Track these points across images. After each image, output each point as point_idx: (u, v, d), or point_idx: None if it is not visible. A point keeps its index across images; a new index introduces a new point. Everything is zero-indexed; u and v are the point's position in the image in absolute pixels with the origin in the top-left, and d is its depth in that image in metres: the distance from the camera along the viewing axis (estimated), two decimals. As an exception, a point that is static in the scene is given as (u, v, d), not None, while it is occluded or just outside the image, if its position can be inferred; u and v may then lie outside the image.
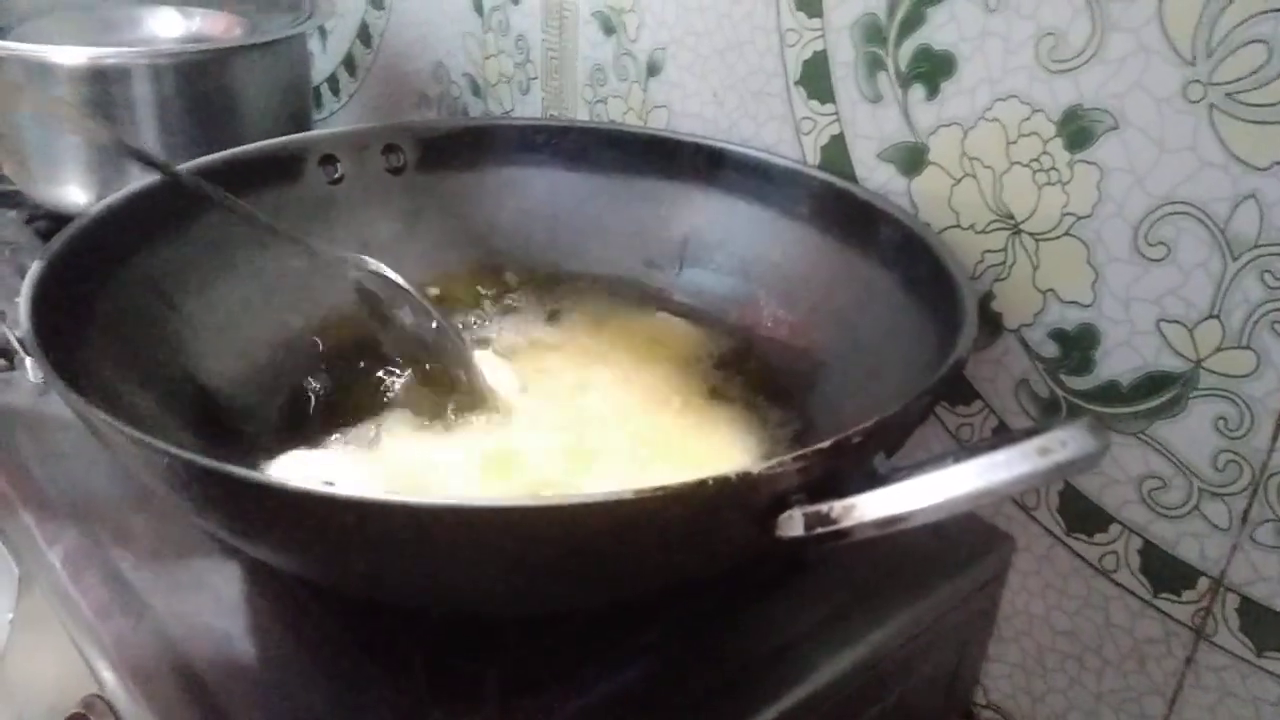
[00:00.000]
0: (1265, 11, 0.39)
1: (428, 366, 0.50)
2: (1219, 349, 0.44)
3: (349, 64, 0.94)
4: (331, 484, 0.32)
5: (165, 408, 0.47)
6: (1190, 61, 0.42)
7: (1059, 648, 0.54)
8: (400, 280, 0.49)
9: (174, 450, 0.32)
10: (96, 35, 0.79)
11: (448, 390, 0.49)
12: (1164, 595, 0.49)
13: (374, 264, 0.49)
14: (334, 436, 0.49)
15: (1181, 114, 0.43)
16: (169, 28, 0.81)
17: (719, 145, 0.59)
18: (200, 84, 0.69)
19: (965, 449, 0.31)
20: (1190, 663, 0.49)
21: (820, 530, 0.31)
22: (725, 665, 0.43)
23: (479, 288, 0.60)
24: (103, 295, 0.46)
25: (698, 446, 0.47)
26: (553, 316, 0.58)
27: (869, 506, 0.30)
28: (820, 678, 0.44)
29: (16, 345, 0.59)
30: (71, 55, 0.66)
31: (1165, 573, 0.49)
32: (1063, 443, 0.29)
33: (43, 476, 0.52)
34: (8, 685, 0.53)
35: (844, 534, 0.31)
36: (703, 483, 0.31)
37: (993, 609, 0.55)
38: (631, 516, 0.31)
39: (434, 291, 0.58)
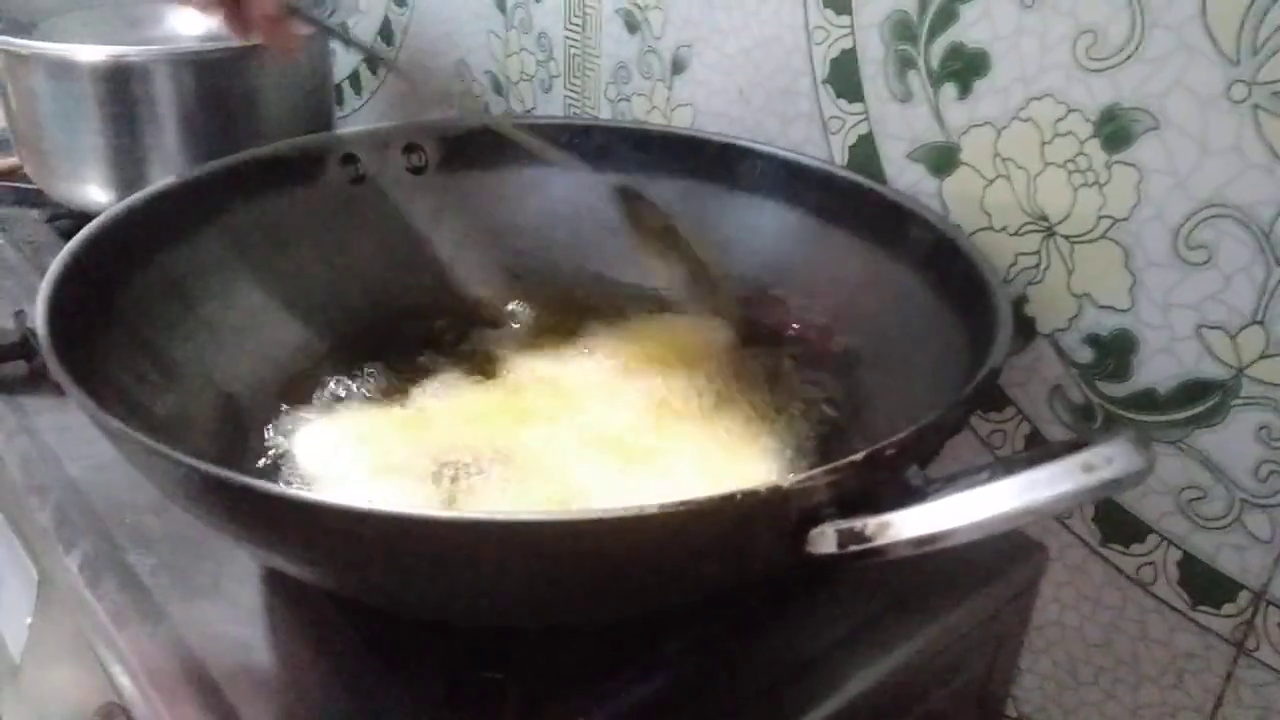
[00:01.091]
0: (1315, 8, 0.38)
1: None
2: (1263, 356, 0.43)
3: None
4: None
5: (182, 409, 0.46)
6: (1234, 60, 0.41)
7: (1093, 660, 0.53)
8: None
9: (191, 461, 0.31)
10: (118, 32, 0.79)
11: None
12: (1203, 608, 0.48)
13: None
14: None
15: (1225, 114, 0.41)
16: (190, 25, 0.80)
17: (745, 144, 0.58)
18: (222, 82, 0.69)
19: (1003, 463, 0.30)
20: (1230, 678, 0.48)
21: (854, 548, 0.30)
22: (752, 677, 0.42)
23: (504, 287, 0.59)
24: (122, 295, 0.46)
25: (723, 453, 0.46)
26: (576, 317, 0.57)
27: (905, 524, 0.29)
28: (850, 690, 0.43)
29: (37, 345, 0.59)
30: (94, 54, 0.66)
31: (1205, 585, 0.47)
32: (1108, 459, 0.28)
33: (57, 479, 0.52)
34: (26, 689, 0.53)
35: (879, 552, 0.30)
36: (730, 497, 0.30)
37: (1025, 620, 0.53)
38: (656, 531, 0.30)
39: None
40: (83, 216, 0.73)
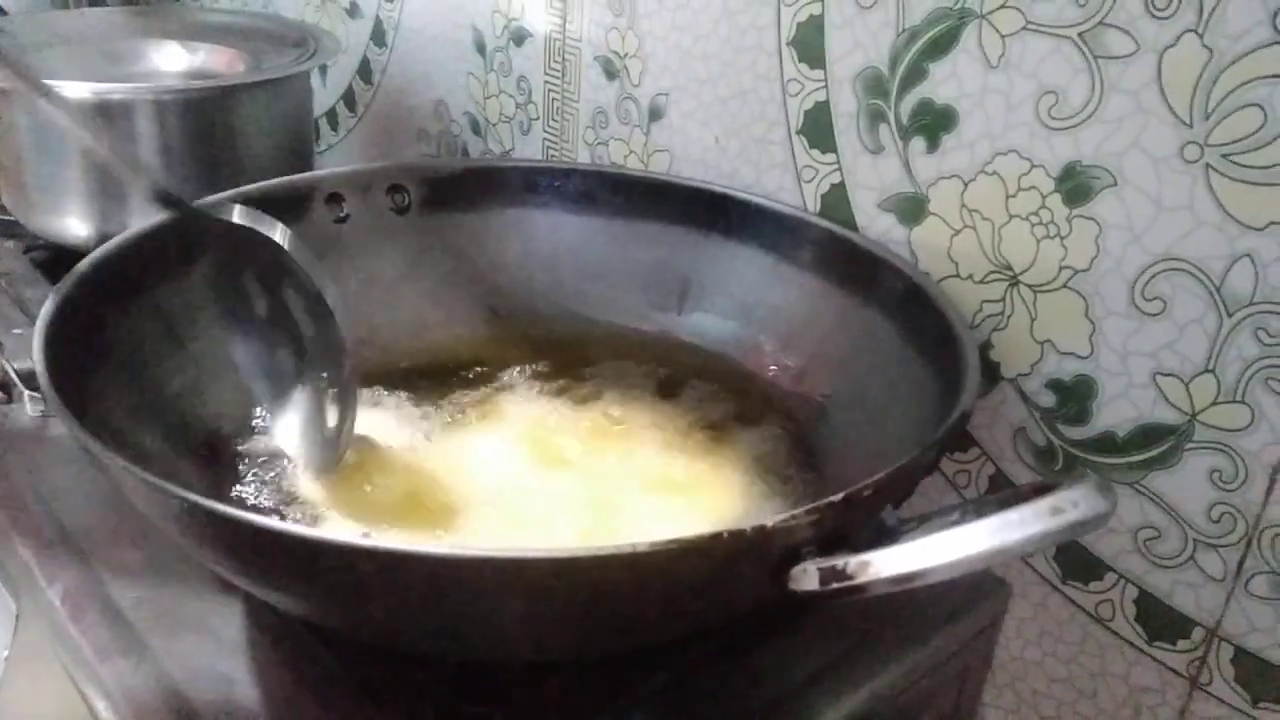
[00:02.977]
0: (1261, 77, 0.41)
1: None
2: (1214, 403, 0.45)
3: (349, 99, 0.95)
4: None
5: (171, 444, 0.47)
6: (1188, 123, 0.43)
7: (1054, 694, 0.54)
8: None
9: (189, 496, 0.32)
10: (100, 68, 0.79)
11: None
12: (1159, 644, 0.49)
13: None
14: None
15: (1179, 173, 0.44)
16: (173, 62, 0.81)
17: (721, 190, 0.60)
18: (204, 120, 0.70)
19: (973, 504, 0.32)
20: (1185, 713, 0.49)
21: (835, 585, 0.31)
22: (729, 712, 0.43)
23: (485, 325, 0.60)
24: (114, 331, 0.46)
25: (702, 493, 0.48)
26: (554, 358, 0.58)
27: (885, 563, 0.31)
28: (823, 724, 0.44)
29: (15, 379, 0.59)
30: (76, 90, 0.66)
31: (1160, 622, 0.49)
32: (1074, 503, 0.29)
33: (41, 512, 0.52)
34: (2, 723, 0.53)
35: (859, 590, 0.31)
36: (717, 535, 0.31)
37: (989, 655, 0.55)
38: (645, 568, 0.31)
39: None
40: (59, 249, 0.73)
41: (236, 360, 0.49)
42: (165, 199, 0.47)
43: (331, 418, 0.47)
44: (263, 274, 0.47)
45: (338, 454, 0.47)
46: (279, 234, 0.46)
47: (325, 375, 0.47)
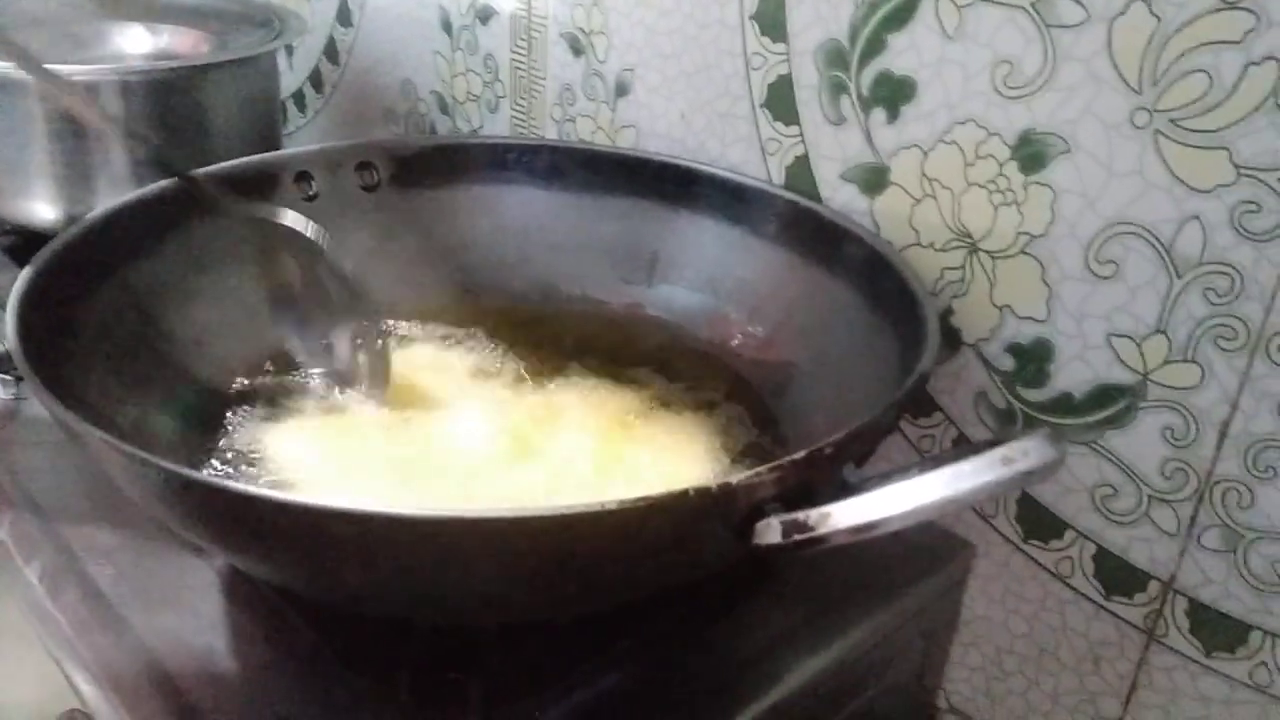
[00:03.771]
0: (1207, 43, 0.42)
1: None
2: (1165, 362, 0.46)
3: (315, 80, 0.95)
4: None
5: (144, 419, 0.47)
6: (1137, 90, 0.44)
7: (1017, 650, 0.56)
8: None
9: (168, 465, 0.33)
10: (65, 52, 0.79)
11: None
12: (1116, 598, 0.51)
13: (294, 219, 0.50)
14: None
15: (1129, 139, 0.45)
16: (137, 44, 0.81)
17: (687, 165, 0.60)
18: (169, 101, 0.70)
19: (930, 459, 0.33)
20: (1143, 664, 0.51)
21: (798, 537, 0.32)
22: (698, 674, 0.44)
23: (456, 301, 0.61)
24: (85, 310, 0.47)
25: (669, 458, 0.49)
26: (524, 333, 0.59)
27: (844, 514, 0.32)
28: (790, 683, 0.45)
29: (-12, 361, 0.59)
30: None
31: (1117, 577, 0.51)
32: (1024, 452, 0.31)
33: (16, 493, 0.52)
34: (-17, 702, 0.53)
35: (820, 540, 0.32)
36: (684, 493, 0.32)
37: (954, 614, 0.56)
38: (614, 526, 0.32)
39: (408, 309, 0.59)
40: (28, 233, 0.73)
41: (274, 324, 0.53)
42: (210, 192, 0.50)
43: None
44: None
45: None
46: (314, 232, 0.50)
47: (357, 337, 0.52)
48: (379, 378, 0.52)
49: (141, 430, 0.46)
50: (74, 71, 0.67)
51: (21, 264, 0.45)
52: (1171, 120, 0.43)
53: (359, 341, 0.52)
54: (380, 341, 0.52)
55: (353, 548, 0.32)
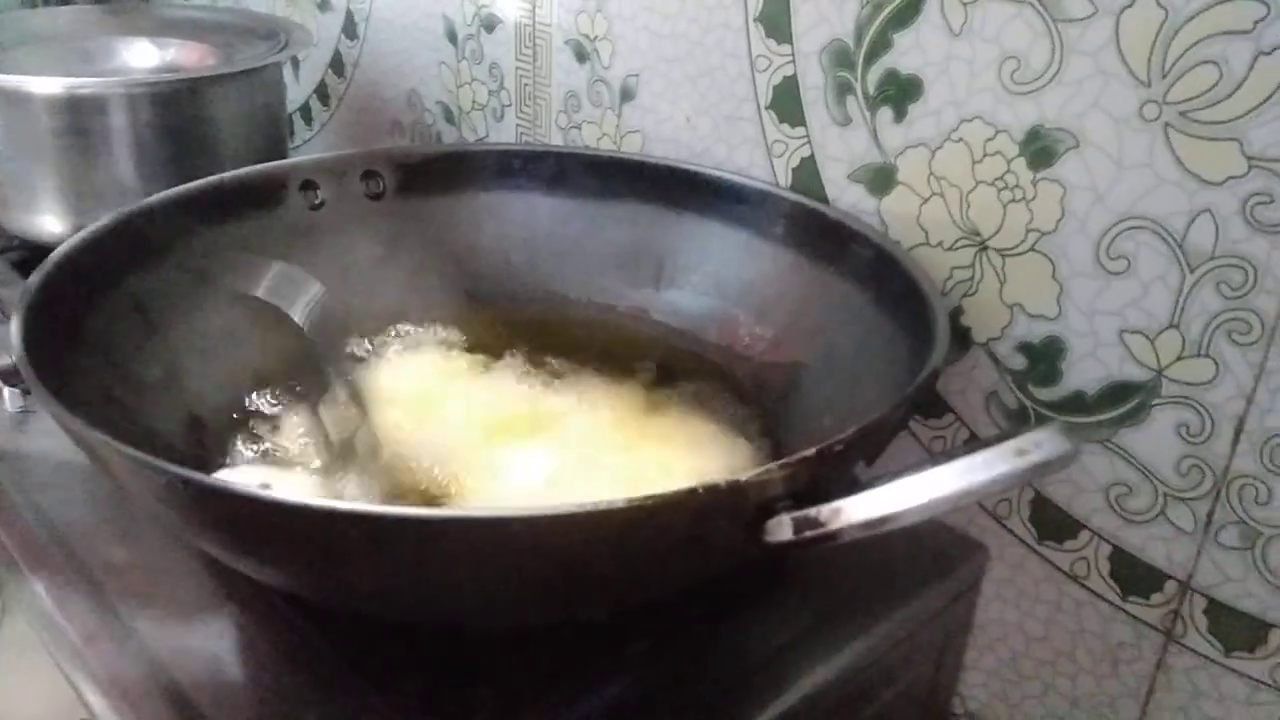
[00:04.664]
0: (1216, 34, 0.41)
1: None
2: (1179, 358, 0.46)
3: (321, 93, 0.95)
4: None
5: (149, 429, 0.47)
6: (1146, 83, 0.44)
7: (1033, 654, 0.55)
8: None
9: (174, 468, 0.32)
10: (72, 66, 0.79)
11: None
12: (1133, 599, 0.50)
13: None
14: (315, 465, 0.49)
15: (1138, 132, 0.45)
16: (144, 58, 0.81)
17: (693, 169, 0.60)
18: (176, 113, 0.70)
19: (942, 456, 0.33)
20: (1161, 665, 0.50)
21: (809, 534, 0.32)
22: (712, 677, 0.44)
23: (463, 309, 0.61)
24: (90, 320, 0.47)
25: (680, 459, 0.48)
26: (531, 338, 0.59)
27: (855, 509, 0.32)
28: (803, 688, 0.44)
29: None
30: (48, 85, 0.66)
31: (1134, 577, 0.50)
32: (1037, 444, 0.30)
33: (24, 505, 0.52)
34: (-9, 714, 0.53)
35: (831, 536, 0.32)
36: (693, 490, 0.32)
37: (968, 618, 0.56)
38: (624, 525, 0.32)
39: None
40: (35, 247, 0.73)
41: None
42: None
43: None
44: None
45: None
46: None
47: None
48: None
49: (148, 439, 0.46)
50: (81, 85, 0.67)
51: (27, 278, 0.45)
52: (1181, 113, 0.43)
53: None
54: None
55: (360, 549, 0.32)
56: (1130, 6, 0.43)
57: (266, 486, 0.45)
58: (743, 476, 0.32)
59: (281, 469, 0.48)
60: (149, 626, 0.45)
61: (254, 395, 0.53)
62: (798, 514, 0.32)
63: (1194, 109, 0.43)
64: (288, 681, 0.43)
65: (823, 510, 0.32)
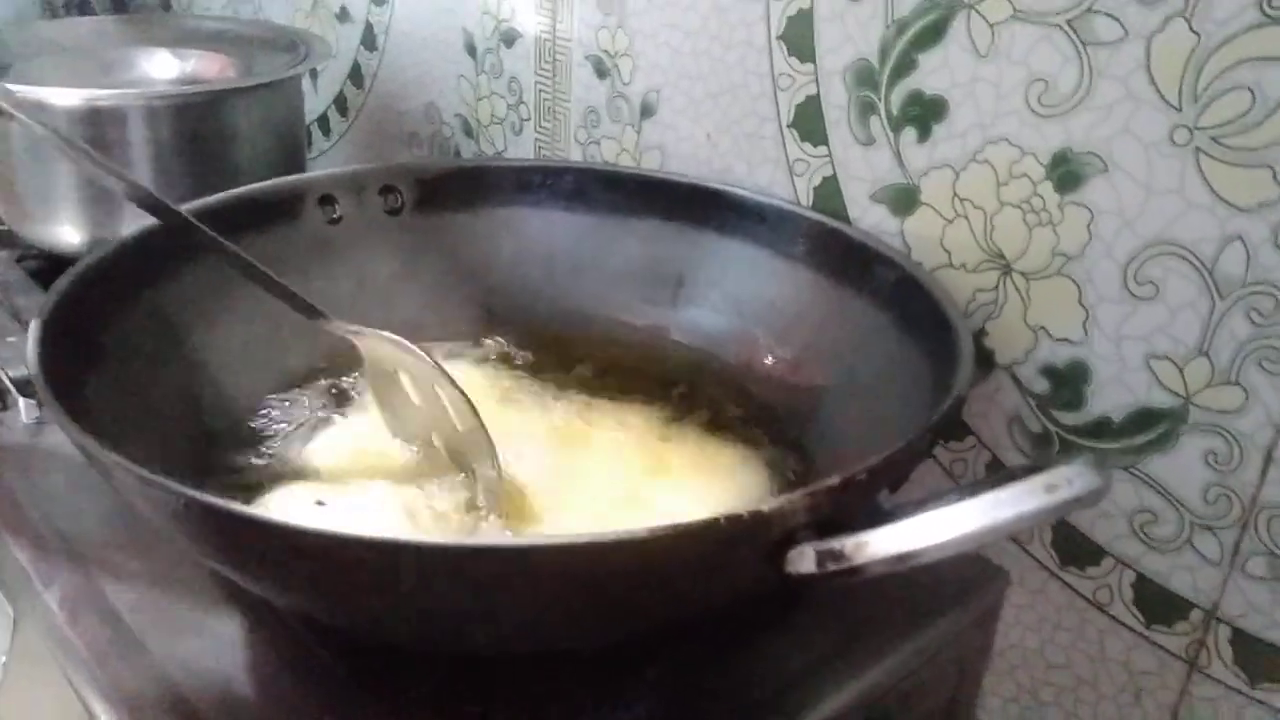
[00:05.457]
0: (1249, 60, 0.41)
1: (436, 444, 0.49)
2: (1208, 385, 0.45)
3: (340, 104, 0.95)
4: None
5: (164, 444, 0.47)
6: (1177, 107, 0.43)
7: (1054, 681, 0.54)
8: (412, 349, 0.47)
9: (185, 490, 0.32)
10: (92, 77, 0.79)
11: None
12: (1157, 627, 0.50)
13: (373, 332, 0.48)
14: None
15: (1168, 158, 0.44)
16: (164, 69, 0.81)
17: (714, 186, 0.60)
18: (195, 125, 0.70)
19: (968, 486, 0.32)
20: (1185, 694, 0.49)
21: (832, 567, 0.31)
22: (729, 701, 0.43)
23: (481, 324, 0.60)
24: (109, 333, 0.46)
25: (698, 484, 0.48)
26: (549, 354, 0.58)
27: (880, 543, 0.31)
28: (821, 712, 0.44)
29: (9, 386, 0.59)
30: (68, 97, 0.66)
31: (1158, 605, 0.49)
32: (1068, 480, 0.30)
33: (37, 517, 0.52)
34: (1, 728, 0.52)
35: (855, 571, 0.31)
36: (715, 520, 0.31)
37: (988, 643, 0.55)
38: (645, 555, 0.31)
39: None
40: (52, 257, 0.73)
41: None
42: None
43: None
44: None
45: None
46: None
47: None
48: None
49: (164, 456, 0.46)
50: (100, 96, 0.67)
51: (46, 287, 0.45)
52: (1212, 138, 0.42)
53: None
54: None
55: (375, 576, 0.32)
56: (1161, 31, 0.43)
57: (321, 504, 0.45)
58: (765, 506, 0.32)
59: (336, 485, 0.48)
60: (160, 643, 0.45)
61: (272, 409, 0.53)
62: (821, 546, 0.32)
63: (1225, 135, 0.42)
64: (298, 701, 0.42)
65: (846, 544, 0.31)
